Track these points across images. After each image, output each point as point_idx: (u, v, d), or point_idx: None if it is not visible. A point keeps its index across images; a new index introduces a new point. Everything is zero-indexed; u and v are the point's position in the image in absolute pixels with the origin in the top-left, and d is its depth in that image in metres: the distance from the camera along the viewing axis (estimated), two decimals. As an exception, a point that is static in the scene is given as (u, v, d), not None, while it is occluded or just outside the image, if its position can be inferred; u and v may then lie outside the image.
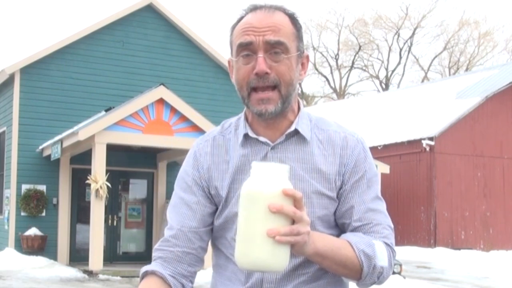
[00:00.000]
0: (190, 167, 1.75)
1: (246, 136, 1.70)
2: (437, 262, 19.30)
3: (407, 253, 20.46)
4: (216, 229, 1.75)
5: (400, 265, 12.37)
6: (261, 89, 1.61)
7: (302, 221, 1.39)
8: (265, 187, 1.37)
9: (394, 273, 12.09)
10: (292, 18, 1.67)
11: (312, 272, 1.67)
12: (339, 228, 1.72)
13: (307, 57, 1.72)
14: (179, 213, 1.72)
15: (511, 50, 46.12)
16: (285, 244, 1.38)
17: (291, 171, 1.62)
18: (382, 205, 1.73)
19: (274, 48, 1.59)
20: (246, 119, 1.73)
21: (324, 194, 1.67)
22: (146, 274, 1.69)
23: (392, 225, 1.74)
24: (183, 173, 1.77)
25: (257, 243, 1.36)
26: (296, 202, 1.39)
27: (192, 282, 1.73)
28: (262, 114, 1.62)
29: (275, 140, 1.69)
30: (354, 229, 1.68)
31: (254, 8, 1.66)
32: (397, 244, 19.19)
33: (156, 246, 1.75)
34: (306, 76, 1.70)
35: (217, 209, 1.73)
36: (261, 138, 1.68)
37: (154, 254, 1.73)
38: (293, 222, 1.39)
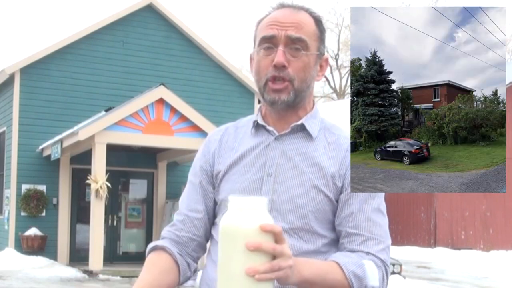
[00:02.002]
0: (200, 154, 1.84)
1: (256, 125, 1.76)
2: (437, 262, 19.30)
3: (407, 253, 20.46)
4: (214, 213, 1.82)
5: (400, 265, 12.37)
6: (277, 79, 1.66)
7: (283, 255, 1.36)
8: (242, 223, 1.33)
9: (394, 273, 12.09)
10: (317, 21, 1.75)
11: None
12: (335, 233, 1.72)
13: (327, 60, 1.76)
14: (189, 196, 1.82)
15: (511, 50, 46.14)
16: (266, 281, 1.35)
17: (292, 163, 1.68)
18: (382, 219, 1.71)
19: (295, 44, 1.66)
20: (261, 111, 1.80)
21: (321, 190, 1.68)
22: (155, 248, 1.75)
23: (389, 241, 1.71)
24: (196, 160, 1.86)
25: (237, 281, 1.33)
26: (276, 236, 1.35)
27: (196, 263, 1.81)
28: (275, 101, 1.68)
29: (281, 132, 1.73)
30: (347, 236, 1.67)
31: (283, 5, 1.73)
32: (397, 244, 19.16)
33: (165, 228, 1.82)
34: (322, 78, 1.74)
35: None
36: (269, 127, 1.74)
37: (163, 233, 1.81)
38: (274, 257, 1.36)
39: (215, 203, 1.80)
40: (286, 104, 1.67)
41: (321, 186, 1.68)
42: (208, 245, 1.84)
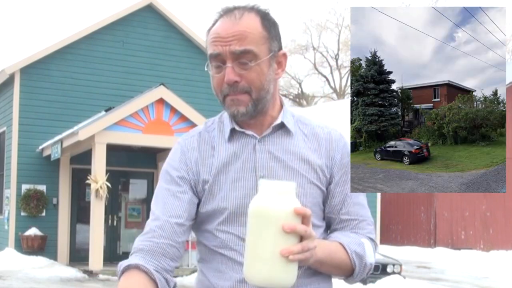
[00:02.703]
0: (177, 162, 1.77)
1: (233, 131, 1.74)
2: (437, 262, 19.30)
3: (407, 253, 20.46)
4: (198, 222, 1.75)
5: (400, 265, 12.36)
6: (233, 94, 1.66)
7: (311, 237, 1.44)
8: (277, 206, 1.40)
9: (394, 273, 12.08)
10: (264, 18, 1.68)
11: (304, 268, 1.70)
12: (325, 221, 1.78)
13: (284, 54, 1.73)
14: (166, 203, 1.71)
15: (511, 50, 46.14)
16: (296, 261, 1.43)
17: (282, 163, 1.70)
18: (364, 199, 1.82)
19: (241, 57, 1.63)
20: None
21: (315, 184, 1.72)
22: (128, 268, 1.61)
23: (372, 219, 1.82)
24: (169, 167, 1.78)
25: (269, 261, 1.40)
26: (305, 219, 1.43)
27: (173, 277, 1.69)
28: (235, 115, 1.68)
29: (261, 134, 1.73)
30: (341, 222, 1.76)
31: (226, 11, 1.69)
32: (397, 244, 19.16)
33: (138, 239, 1.70)
34: (283, 73, 1.73)
35: (199, 203, 1.74)
36: (248, 131, 1.73)
37: (135, 245, 1.68)
38: (301, 238, 1.43)
39: (198, 212, 1.74)
40: (246, 115, 1.67)
41: (315, 181, 1.72)
42: (194, 252, 1.83)
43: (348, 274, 1.72)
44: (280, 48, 1.72)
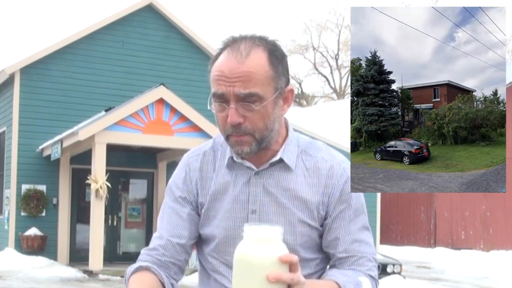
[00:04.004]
0: (181, 181, 1.78)
1: (232, 158, 1.73)
2: (437, 262, 19.31)
3: (407, 253, 20.46)
4: (198, 242, 1.80)
5: (400, 265, 12.37)
6: (237, 134, 1.63)
7: (299, 284, 1.39)
8: (261, 254, 1.35)
9: (394, 273, 12.09)
10: (271, 54, 1.62)
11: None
12: (323, 251, 1.75)
13: (291, 91, 1.69)
14: (170, 222, 1.75)
15: (511, 50, 46.14)
16: None
17: (274, 198, 1.67)
18: (368, 235, 1.74)
19: (245, 100, 1.59)
20: None
21: (306, 222, 1.68)
22: (139, 269, 1.68)
23: (376, 256, 1.75)
24: (174, 186, 1.79)
25: None
26: (292, 266, 1.38)
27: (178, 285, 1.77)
28: (239, 154, 1.66)
29: (259, 166, 1.71)
30: (339, 260, 1.70)
31: (232, 43, 1.63)
32: (397, 244, 19.17)
33: (143, 251, 1.77)
34: (289, 109, 1.71)
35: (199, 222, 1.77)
36: (246, 163, 1.71)
37: (142, 257, 1.75)
38: (289, 285, 1.38)
39: (198, 232, 1.77)
40: (251, 154, 1.65)
41: (306, 219, 1.69)
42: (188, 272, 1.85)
43: None
44: (288, 83, 1.67)
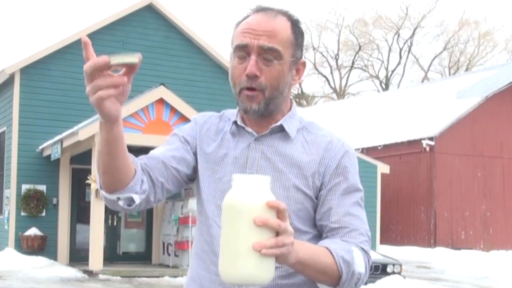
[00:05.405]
0: (189, 130, 1.85)
1: (236, 124, 1.78)
2: (437, 262, 19.31)
3: (407, 253, 20.47)
4: (197, 195, 1.84)
5: (400, 265, 12.36)
6: (250, 89, 1.68)
7: (286, 232, 1.39)
8: (249, 199, 1.36)
9: (394, 273, 12.09)
10: (294, 25, 1.73)
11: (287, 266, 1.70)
12: (317, 228, 1.75)
13: (304, 63, 1.78)
14: (164, 148, 1.80)
15: (511, 50, 46.14)
16: (271, 256, 1.37)
17: (272, 164, 1.71)
18: (361, 212, 1.75)
19: (267, 54, 1.66)
20: (240, 112, 1.81)
21: (301, 189, 1.71)
22: None
23: (369, 233, 1.75)
24: (178, 132, 1.86)
25: (242, 257, 1.35)
26: (280, 213, 1.38)
27: (148, 193, 1.68)
28: (247, 110, 1.70)
29: (260, 133, 1.75)
30: (331, 231, 1.70)
31: (261, 9, 1.72)
32: (397, 244, 19.22)
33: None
34: (301, 81, 1.75)
35: (190, 176, 1.80)
36: (248, 128, 1.76)
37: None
38: (277, 233, 1.38)
39: (188, 168, 1.79)
40: (257, 113, 1.70)
41: (301, 186, 1.71)
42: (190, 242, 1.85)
43: (335, 282, 1.63)
44: (301, 56, 1.75)
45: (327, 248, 1.62)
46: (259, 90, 1.67)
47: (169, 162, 1.75)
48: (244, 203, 1.35)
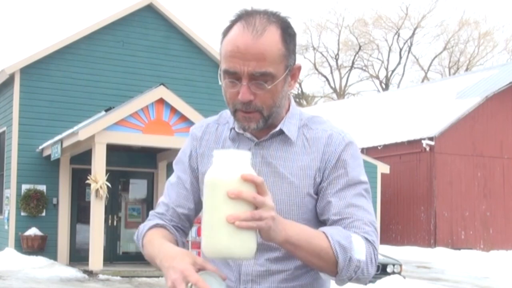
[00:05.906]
0: (188, 149, 1.83)
1: (234, 129, 1.75)
2: (437, 262, 19.31)
3: (407, 253, 20.46)
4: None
5: (400, 265, 12.37)
6: (245, 110, 1.64)
7: (264, 206, 1.37)
8: (224, 174, 1.36)
9: (394, 273, 12.09)
10: (285, 32, 1.62)
11: (291, 270, 1.68)
12: (322, 224, 1.70)
13: (299, 68, 1.70)
14: (177, 192, 1.81)
15: (511, 50, 46.15)
16: (248, 230, 1.36)
17: (273, 169, 1.68)
18: (366, 203, 1.67)
19: (259, 79, 1.58)
20: None
21: (304, 192, 1.67)
22: (157, 226, 1.76)
23: (376, 224, 1.67)
24: (182, 155, 1.85)
25: (218, 230, 1.35)
26: (258, 187, 1.37)
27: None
28: (246, 129, 1.67)
29: (260, 138, 1.72)
30: (333, 223, 1.64)
31: (246, 17, 1.61)
32: (397, 244, 19.20)
33: (152, 213, 1.83)
34: (300, 82, 1.69)
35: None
36: (247, 134, 1.72)
37: (152, 218, 1.82)
38: (256, 207, 1.37)
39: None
40: (256, 130, 1.66)
41: (304, 188, 1.67)
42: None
43: (333, 268, 1.56)
44: (295, 60, 1.67)
45: (323, 231, 1.57)
46: (256, 111, 1.62)
47: (185, 206, 1.81)
48: (220, 177, 1.36)
